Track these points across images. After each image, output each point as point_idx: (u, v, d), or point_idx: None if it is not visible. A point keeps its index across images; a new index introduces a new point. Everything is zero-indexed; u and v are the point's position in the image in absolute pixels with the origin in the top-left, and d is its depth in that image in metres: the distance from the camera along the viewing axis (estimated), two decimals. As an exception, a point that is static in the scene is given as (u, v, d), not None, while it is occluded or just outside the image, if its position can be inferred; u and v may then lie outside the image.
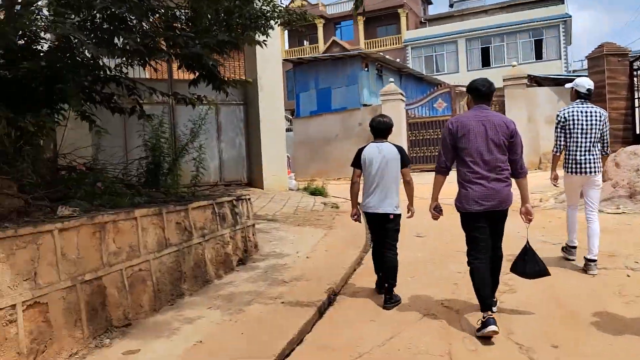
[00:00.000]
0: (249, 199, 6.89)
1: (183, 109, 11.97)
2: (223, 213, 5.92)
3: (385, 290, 4.64)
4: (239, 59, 13.07)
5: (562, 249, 5.97)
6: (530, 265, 4.20)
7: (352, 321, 4.35)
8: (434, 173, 4.25)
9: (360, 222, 5.09)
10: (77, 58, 5.37)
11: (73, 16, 4.84)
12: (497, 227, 4.11)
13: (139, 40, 5.23)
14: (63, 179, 5.21)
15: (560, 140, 5.53)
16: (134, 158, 6.91)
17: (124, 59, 5.71)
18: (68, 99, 5.00)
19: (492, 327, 3.71)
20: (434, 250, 6.74)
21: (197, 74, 6.53)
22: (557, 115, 5.57)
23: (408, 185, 4.78)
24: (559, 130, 5.53)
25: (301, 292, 4.96)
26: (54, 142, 6.12)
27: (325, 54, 22.91)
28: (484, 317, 3.80)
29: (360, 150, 4.84)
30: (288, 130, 30.58)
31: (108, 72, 5.87)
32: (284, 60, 27.82)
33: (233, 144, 12.91)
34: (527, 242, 4.25)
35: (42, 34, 5.35)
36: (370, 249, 5.43)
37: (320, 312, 4.54)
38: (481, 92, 4.07)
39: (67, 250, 3.60)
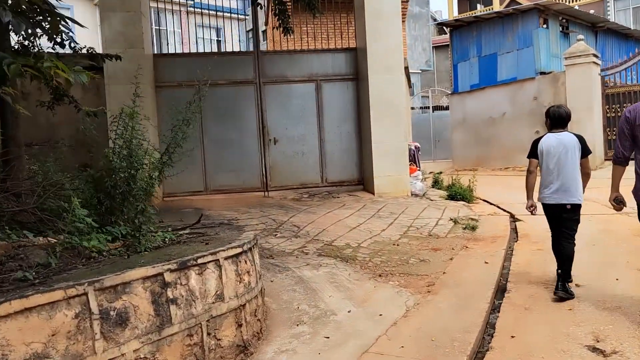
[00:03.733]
0: (249, 250, 3.72)
1: (273, 88, 9.20)
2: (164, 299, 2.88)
3: (558, 277, 4.52)
4: (347, 18, 9.79)
5: None
6: None
7: None
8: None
9: (535, 214, 4.84)
10: None
11: None
12: None
13: None
14: None
15: None
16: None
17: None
18: None
19: None
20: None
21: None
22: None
23: (586, 177, 4.68)
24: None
25: None
26: None
27: (490, 11, 18.25)
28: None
29: (536, 142, 4.78)
30: (439, 109, 26.34)
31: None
32: (437, 24, 23.61)
33: (339, 132, 9.77)
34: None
35: None
36: None
37: None
38: None
39: None
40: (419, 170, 9.53)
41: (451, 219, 7.78)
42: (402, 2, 14.05)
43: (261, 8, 9.24)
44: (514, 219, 8.31)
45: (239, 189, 9.56)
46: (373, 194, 9.10)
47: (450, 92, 20.10)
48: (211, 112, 9.42)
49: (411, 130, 13.45)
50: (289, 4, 13.53)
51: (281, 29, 8.59)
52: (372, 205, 8.49)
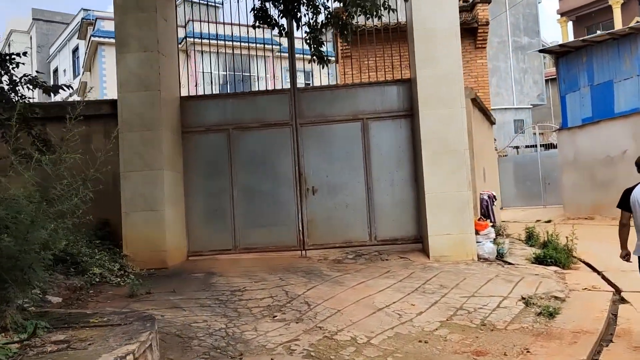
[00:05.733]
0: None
1: (311, 129, 7.90)
2: None
3: None
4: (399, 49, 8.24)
5: None
6: None
7: None
8: None
9: (630, 261, 4.62)
10: None
11: None
12: None
13: None
14: None
15: None
16: None
17: None
18: None
19: None
20: None
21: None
22: None
23: None
24: None
25: None
26: None
27: (603, 32, 15.54)
28: None
29: (628, 191, 4.54)
30: (551, 147, 22.99)
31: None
32: (540, 51, 20.95)
33: (391, 180, 8.10)
34: None
35: None
36: None
37: None
38: None
39: None
40: (491, 225, 7.49)
41: (522, 298, 5.71)
42: (481, 28, 12.23)
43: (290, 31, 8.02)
44: (619, 296, 6.02)
45: (272, 247, 8.20)
46: (428, 257, 7.24)
47: (558, 128, 17.37)
48: (241, 158, 8.29)
49: (497, 175, 11.28)
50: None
51: (316, 59, 7.28)
52: (421, 273, 6.65)
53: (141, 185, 7.44)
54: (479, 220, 7.48)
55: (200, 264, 7.82)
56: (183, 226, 8.13)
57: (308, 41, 7.16)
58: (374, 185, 8.10)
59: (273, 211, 8.22)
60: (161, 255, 7.38)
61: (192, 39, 21.40)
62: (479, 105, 8.84)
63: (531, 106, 31.24)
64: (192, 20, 21.20)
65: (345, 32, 6.93)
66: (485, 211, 8.07)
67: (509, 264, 7.48)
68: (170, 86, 8.00)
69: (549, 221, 15.91)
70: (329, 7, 7.30)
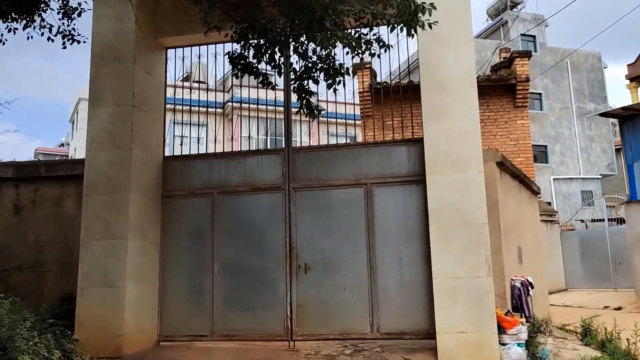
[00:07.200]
0: None
1: (306, 195, 6.75)
2: None
3: None
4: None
5: None
6: None
7: None
8: None
9: None
10: None
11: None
12: None
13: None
14: None
15: None
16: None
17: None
18: None
19: None
20: None
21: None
22: None
23: None
24: None
25: None
26: None
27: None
28: None
29: None
30: (622, 221, 20.31)
31: None
32: (601, 114, 18.97)
33: (398, 258, 6.66)
34: None
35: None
36: None
37: None
38: None
39: None
40: (522, 322, 5.80)
41: None
42: (520, 84, 10.83)
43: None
44: None
45: (255, 335, 6.85)
46: (436, 360, 5.66)
47: (626, 200, 15.21)
48: (226, 227, 7.18)
49: (543, 255, 9.48)
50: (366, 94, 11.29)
51: (305, 111, 6.20)
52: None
53: (101, 257, 6.44)
54: (506, 314, 5.84)
55: (165, 353, 6.57)
56: (154, 305, 6.99)
57: (294, 90, 6.13)
58: (378, 263, 6.68)
59: (258, 291, 6.94)
60: (116, 341, 6.22)
61: (233, 103, 21.37)
62: (510, 171, 7.35)
63: (600, 176, 28.74)
64: (233, 85, 21.21)
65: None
66: (518, 302, 6.40)
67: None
68: (149, 145, 7.14)
69: (619, 308, 13.57)
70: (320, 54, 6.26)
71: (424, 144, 6.10)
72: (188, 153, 7.54)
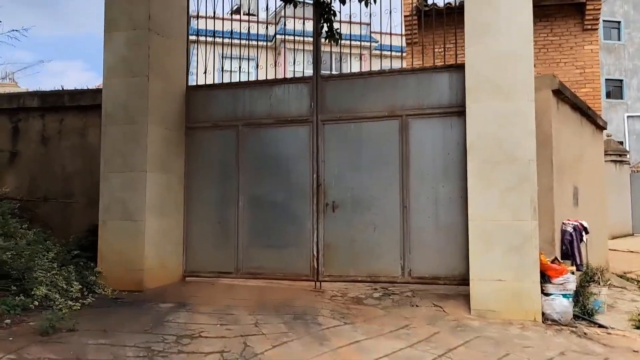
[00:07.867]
0: None
1: (335, 128, 6.21)
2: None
3: None
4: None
5: None
6: None
7: None
8: None
9: None
10: None
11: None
12: None
13: None
14: None
15: None
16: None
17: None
18: None
19: None
20: None
21: None
22: None
23: None
24: None
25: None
26: None
27: None
28: None
29: None
30: None
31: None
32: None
33: (434, 197, 6.05)
34: None
35: None
36: None
37: None
38: None
39: None
40: (571, 271, 5.12)
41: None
42: (590, 3, 9.37)
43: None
44: None
45: (280, 274, 6.55)
46: (469, 310, 5.13)
47: None
48: (251, 161, 6.77)
49: (604, 197, 8.52)
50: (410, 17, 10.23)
51: (328, 35, 5.52)
52: (447, 336, 4.58)
53: (119, 190, 6.22)
54: (553, 262, 5.17)
55: (186, 289, 6.40)
56: (179, 240, 6.79)
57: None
58: (412, 203, 6.10)
59: (284, 229, 6.57)
60: (137, 275, 6.08)
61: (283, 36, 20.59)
62: (570, 102, 6.41)
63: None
64: (282, 17, 20.36)
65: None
66: (569, 248, 5.68)
67: (601, 326, 5.09)
68: (170, 73, 6.70)
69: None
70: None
71: (465, 67, 5.31)
72: (212, 82, 7.06)
